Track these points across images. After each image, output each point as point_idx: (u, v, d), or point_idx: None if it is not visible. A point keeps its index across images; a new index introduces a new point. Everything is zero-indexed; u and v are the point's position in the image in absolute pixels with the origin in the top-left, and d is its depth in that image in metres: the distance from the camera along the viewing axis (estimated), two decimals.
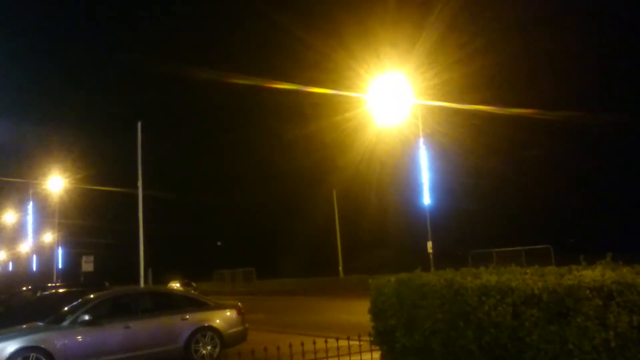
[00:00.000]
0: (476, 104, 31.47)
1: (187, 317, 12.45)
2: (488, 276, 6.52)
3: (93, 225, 61.76)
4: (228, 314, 13.04)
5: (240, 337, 12.85)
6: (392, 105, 27.73)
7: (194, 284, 47.51)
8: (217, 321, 12.72)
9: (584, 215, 37.47)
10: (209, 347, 12.38)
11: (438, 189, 32.82)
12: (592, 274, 5.63)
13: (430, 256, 24.84)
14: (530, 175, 36.95)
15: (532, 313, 5.70)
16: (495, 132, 34.80)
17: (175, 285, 46.51)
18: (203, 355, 12.27)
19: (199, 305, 13.06)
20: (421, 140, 27.84)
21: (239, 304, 13.62)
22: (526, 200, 39.33)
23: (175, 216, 66.41)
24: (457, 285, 6.54)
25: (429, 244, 25.06)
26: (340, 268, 46.04)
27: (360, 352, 8.55)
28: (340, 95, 29.95)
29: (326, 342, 7.90)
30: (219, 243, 66.42)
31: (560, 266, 6.62)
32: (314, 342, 7.71)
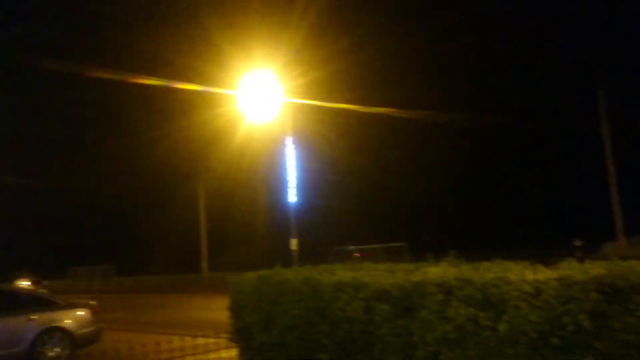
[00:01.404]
0: (345, 102, 32.33)
1: (34, 317, 11.60)
2: (343, 273, 6.74)
3: None
4: (80, 313, 12.33)
5: (94, 337, 12.20)
6: (262, 102, 27.76)
7: (45, 282, 44.41)
8: (67, 321, 11.99)
9: (441, 214, 39.83)
10: (57, 349, 11.63)
11: (306, 187, 33.36)
12: (437, 271, 6.01)
13: (294, 253, 25.21)
14: (394, 174, 38.66)
15: (383, 308, 5.97)
16: (362, 131, 36.03)
17: (24, 283, 43.19)
18: (50, 358, 11.51)
19: (48, 305, 12.23)
20: (289, 138, 28.18)
21: (93, 302, 12.94)
22: (389, 199, 41.09)
23: (30, 209, 61.82)
24: (313, 282, 6.69)
25: (293, 242, 25.41)
26: (204, 265, 45.45)
27: (218, 350, 8.48)
28: (210, 92, 29.48)
29: (183, 340, 7.75)
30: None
31: (415, 262, 6.99)
32: (170, 341, 7.53)
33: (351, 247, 32.29)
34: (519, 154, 37.76)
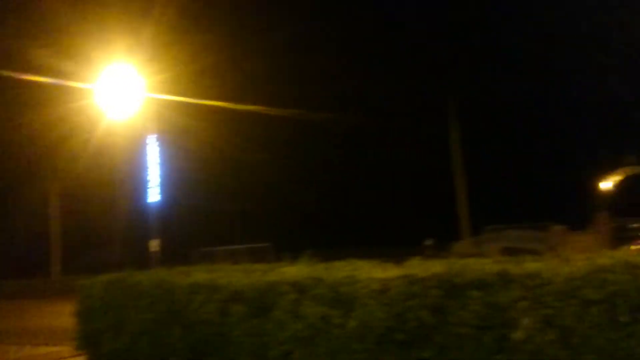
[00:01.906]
0: (215, 99, 31.73)
1: None
2: (199, 274, 6.62)
3: None
4: None
5: None
6: (122, 97, 26.53)
7: None
8: None
9: (306, 213, 40.42)
10: None
11: (172, 186, 32.39)
12: (291, 271, 6.09)
13: (155, 255, 24.40)
14: (262, 173, 38.70)
15: (238, 309, 5.94)
16: (232, 129, 35.63)
17: None
18: None
19: None
20: (151, 135, 27.25)
21: None
22: (257, 198, 41.03)
23: None
24: (167, 285, 6.50)
25: (153, 243, 24.57)
26: (55, 269, 42.58)
27: (61, 359, 7.96)
28: (64, 86, 27.65)
29: (20, 350, 7.18)
30: None
31: (278, 263, 7.01)
32: (6, 352, 6.94)
33: (215, 249, 31.87)
34: (377, 155, 39.31)
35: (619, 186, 30.96)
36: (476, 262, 5.47)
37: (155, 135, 28.10)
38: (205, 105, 30.93)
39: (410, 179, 38.11)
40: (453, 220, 29.89)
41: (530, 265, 5.01)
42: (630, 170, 31.01)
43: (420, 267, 5.46)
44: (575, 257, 5.09)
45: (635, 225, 26.33)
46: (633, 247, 21.00)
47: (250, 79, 34.99)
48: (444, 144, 31.05)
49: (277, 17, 38.60)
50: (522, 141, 37.37)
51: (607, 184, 31.23)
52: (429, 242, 25.54)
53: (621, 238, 24.41)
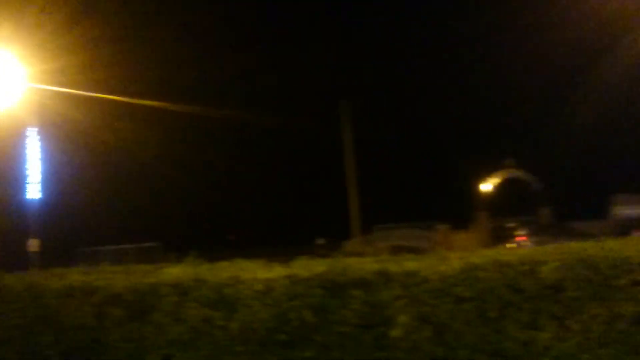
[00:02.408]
0: (105, 92, 30.18)
1: None
2: (74, 276, 6.26)
3: None
4: None
5: None
6: (1, 87, 24.66)
7: None
8: None
9: (196, 212, 39.56)
10: None
11: (57, 183, 30.58)
12: (174, 272, 5.90)
13: (35, 255, 22.94)
14: (154, 170, 37.37)
15: (115, 312, 5.68)
16: (121, 124, 34.10)
17: None
18: None
19: None
20: (32, 128, 25.59)
21: None
22: (147, 196, 39.61)
23: None
24: (38, 288, 6.09)
25: (33, 242, 23.11)
26: None
27: None
28: None
29: None
30: None
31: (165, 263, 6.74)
32: None
33: (100, 248, 30.46)
34: (269, 154, 39.31)
35: (498, 188, 32.95)
36: (359, 261, 5.57)
37: (37, 129, 26.42)
38: (95, 99, 29.46)
39: (304, 179, 38.48)
40: (345, 219, 30.47)
41: (409, 264, 5.17)
42: (508, 173, 33.09)
43: (304, 267, 5.47)
44: (451, 256, 5.30)
45: (511, 224, 28.12)
46: (509, 245, 22.46)
47: (141, 72, 33.73)
48: (337, 144, 31.61)
49: (173, 8, 37.63)
50: (411, 145, 38.83)
51: (487, 186, 33.11)
52: (320, 241, 25.87)
53: (499, 236, 25.98)
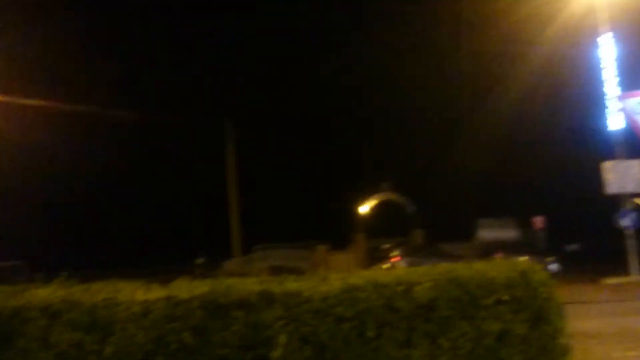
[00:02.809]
0: None
1: None
2: None
3: None
4: None
5: None
6: None
7: None
8: None
9: (70, 227, 37.24)
10: None
11: None
12: (44, 293, 5.52)
13: None
14: (20, 182, 34.64)
15: None
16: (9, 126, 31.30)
17: None
18: None
19: None
20: None
21: None
22: (12, 209, 36.64)
23: None
24: None
25: None
26: None
27: None
28: None
29: None
30: None
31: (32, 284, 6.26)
32: None
33: None
34: (150, 171, 38.02)
35: (375, 210, 34.16)
36: (241, 281, 5.53)
37: None
38: None
39: (184, 197, 37.62)
40: (226, 238, 30.14)
41: (292, 284, 5.22)
42: (384, 196, 34.42)
43: (184, 288, 5.34)
44: (332, 277, 5.43)
45: (386, 245, 29.18)
46: (384, 265, 23.28)
47: (24, 71, 31.49)
48: (220, 163, 31.31)
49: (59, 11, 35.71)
50: (292, 166, 39.35)
51: (364, 208, 34.21)
52: (200, 260, 25.37)
53: (375, 257, 26.89)
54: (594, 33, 22.06)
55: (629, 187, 21.06)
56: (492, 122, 35.69)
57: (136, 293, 5.32)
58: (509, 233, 33.15)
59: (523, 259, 5.47)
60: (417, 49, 36.03)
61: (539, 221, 31.19)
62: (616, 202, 21.80)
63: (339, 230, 32.09)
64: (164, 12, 40.90)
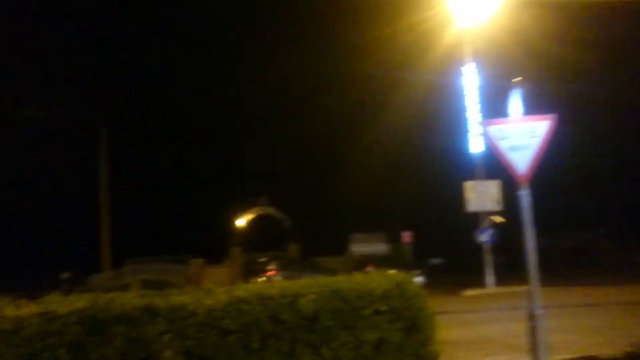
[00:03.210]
0: None
1: None
2: None
3: None
4: None
5: None
6: None
7: None
8: None
9: None
10: None
11: None
12: None
13: None
14: None
15: None
16: None
17: None
18: None
19: None
20: None
21: None
22: None
23: None
24: None
25: None
26: None
27: None
28: None
29: None
30: None
31: None
32: None
33: None
34: (13, 182, 35.49)
35: (252, 224, 34.20)
36: (122, 296, 5.38)
37: None
38: None
39: (50, 209, 35.37)
40: (94, 251, 28.65)
41: (176, 298, 5.17)
42: (261, 210, 34.57)
43: (61, 303, 5.10)
44: (217, 290, 5.44)
45: (262, 259, 29.30)
46: (260, 280, 23.36)
47: None
48: (92, 174, 29.79)
49: None
50: (168, 179, 38.43)
51: (241, 222, 34.13)
52: (65, 275, 23.92)
53: (251, 271, 26.89)
54: (461, 62, 23.88)
55: (488, 206, 22.81)
56: (371, 142, 37.35)
57: (5, 309, 5.00)
58: (379, 247, 34.60)
59: (392, 272, 5.82)
60: (301, 70, 36.91)
61: (406, 236, 32.82)
62: (476, 219, 23.51)
63: (214, 244, 31.75)
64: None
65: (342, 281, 5.47)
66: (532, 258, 6.57)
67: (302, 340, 5.01)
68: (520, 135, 6.76)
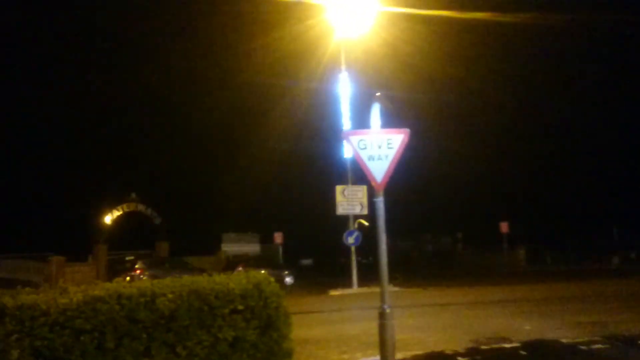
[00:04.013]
0: None
1: None
2: None
3: None
4: None
5: None
6: None
7: None
8: None
9: None
10: None
11: None
12: None
13: None
14: None
15: None
16: None
17: None
18: None
19: None
20: None
21: None
22: None
23: None
24: None
25: None
26: None
27: None
28: None
29: None
30: None
31: None
32: None
33: None
34: None
35: (119, 221, 32.91)
36: None
37: None
38: None
39: None
40: None
41: (27, 297, 5.03)
42: (130, 207, 33.38)
43: None
44: (72, 289, 5.35)
45: (129, 257, 28.37)
46: (128, 278, 22.62)
47: None
48: None
49: None
50: (26, 171, 36.08)
51: (107, 219, 32.75)
52: None
53: (117, 270, 25.92)
54: (338, 72, 24.67)
55: (356, 209, 23.75)
56: (248, 145, 37.47)
57: None
58: (251, 247, 34.85)
59: (262, 272, 6.00)
60: (183, 75, 36.36)
61: (278, 237, 33.27)
62: (346, 222, 24.36)
63: (77, 241, 30.21)
64: None
65: (202, 281, 5.58)
66: (384, 261, 7.07)
67: (159, 339, 5.08)
68: (378, 146, 7.25)
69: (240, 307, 5.34)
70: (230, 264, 27.01)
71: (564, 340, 9.84)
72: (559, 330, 10.90)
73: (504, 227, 36.13)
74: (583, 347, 8.76)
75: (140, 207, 33.38)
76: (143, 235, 32.66)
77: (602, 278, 23.94)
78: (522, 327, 11.57)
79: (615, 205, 39.67)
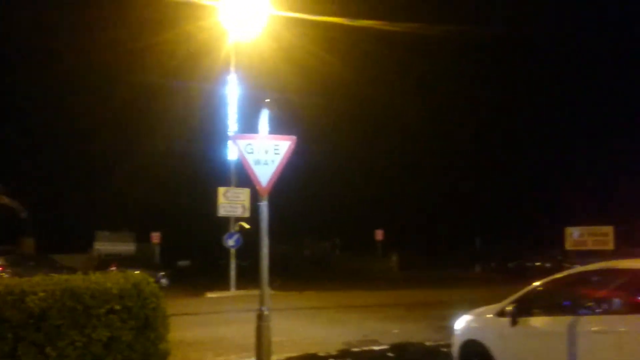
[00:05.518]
0: None
1: None
2: None
3: None
4: None
5: None
6: None
7: None
8: None
9: None
10: None
11: None
12: None
13: None
14: None
15: None
16: None
17: None
18: None
19: None
20: None
21: None
22: None
23: None
24: None
25: None
26: None
27: None
28: None
29: None
30: None
31: None
32: None
33: None
34: None
35: None
36: None
37: None
38: None
39: None
40: None
41: None
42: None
43: None
44: None
45: None
46: None
47: None
48: None
49: None
50: None
51: None
52: None
53: None
54: (227, 74, 24.50)
55: (237, 212, 23.67)
56: (130, 144, 36.27)
57: None
58: (125, 246, 33.51)
59: (136, 272, 5.88)
60: (70, 72, 34.55)
61: (155, 237, 32.39)
62: (227, 224, 24.18)
63: None
64: None
65: (76, 280, 5.41)
66: (265, 263, 7.22)
67: (27, 339, 4.87)
68: (265, 151, 7.39)
69: (117, 307, 5.24)
70: (103, 263, 25.88)
71: (427, 343, 10.51)
72: (424, 333, 11.61)
73: (379, 234, 37.88)
74: (444, 350, 9.39)
75: (5, 199, 31.07)
76: (8, 230, 30.34)
77: (466, 284, 25.60)
78: (391, 330, 12.20)
79: (478, 218, 42.66)
